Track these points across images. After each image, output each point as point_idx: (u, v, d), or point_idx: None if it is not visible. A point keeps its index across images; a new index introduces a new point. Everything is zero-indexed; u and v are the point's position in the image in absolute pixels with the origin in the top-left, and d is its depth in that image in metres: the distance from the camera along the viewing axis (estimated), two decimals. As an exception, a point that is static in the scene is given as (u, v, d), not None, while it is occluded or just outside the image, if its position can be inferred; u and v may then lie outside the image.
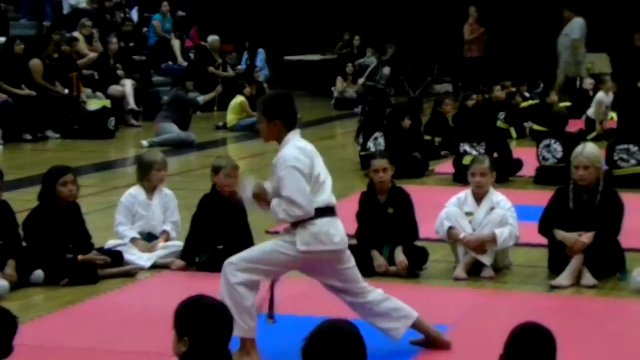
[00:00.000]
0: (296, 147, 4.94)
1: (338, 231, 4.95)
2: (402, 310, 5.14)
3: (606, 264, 6.41)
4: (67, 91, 14.14)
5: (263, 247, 5.09)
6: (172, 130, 13.26)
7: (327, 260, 4.99)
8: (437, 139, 12.15)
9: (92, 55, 15.39)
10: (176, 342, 3.23)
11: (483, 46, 19.27)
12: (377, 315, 5.10)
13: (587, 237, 6.33)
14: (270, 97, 5.22)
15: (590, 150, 6.54)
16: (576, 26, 17.95)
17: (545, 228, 6.55)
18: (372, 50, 20.05)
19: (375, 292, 5.16)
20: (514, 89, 14.01)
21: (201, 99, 14.12)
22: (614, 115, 14.41)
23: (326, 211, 4.93)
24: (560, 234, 6.41)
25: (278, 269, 4.99)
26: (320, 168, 5.03)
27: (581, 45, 17.92)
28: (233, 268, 4.90)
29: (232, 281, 4.88)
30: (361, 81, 19.00)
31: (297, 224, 4.88)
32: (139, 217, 7.07)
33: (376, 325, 5.10)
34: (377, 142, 10.62)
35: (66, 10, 17.33)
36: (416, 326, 5.15)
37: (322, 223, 4.89)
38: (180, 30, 18.78)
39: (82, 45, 15.49)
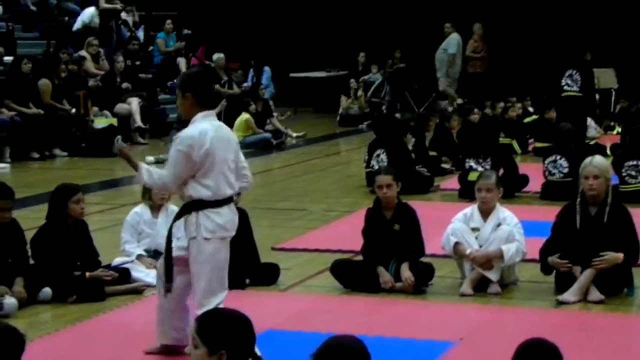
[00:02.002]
0: (198, 129, 4.89)
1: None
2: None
3: (614, 279, 6.40)
4: (74, 110, 14.21)
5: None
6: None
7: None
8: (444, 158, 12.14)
9: (100, 76, 15.49)
10: (205, 357, 3.22)
11: (486, 61, 19.35)
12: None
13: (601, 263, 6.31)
14: (187, 71, 5.25)
15: (599, 160, 6.54)
16: (453, 41, 18.54)
17: (545, 262, 6.54)
18: (377, 66, 20.10)
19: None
20: (509, 104, 14.01)
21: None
22: (618, 128, 14.44)
23: (226, 201, 4.96)
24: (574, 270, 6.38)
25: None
26: (221, 157, 4.93)
27: (455, 59, 18.63)
28: None
29: None
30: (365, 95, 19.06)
31: (197, 212, 4.88)
32: (145, 234, 7.09)
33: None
34: (380, 159, 10.64)
35: (75, 27, 17.38)
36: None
37: (226, 211, 4.96)
38: (186, 48, 18.85)
39: (89, 64, 15.58)
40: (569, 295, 6.31)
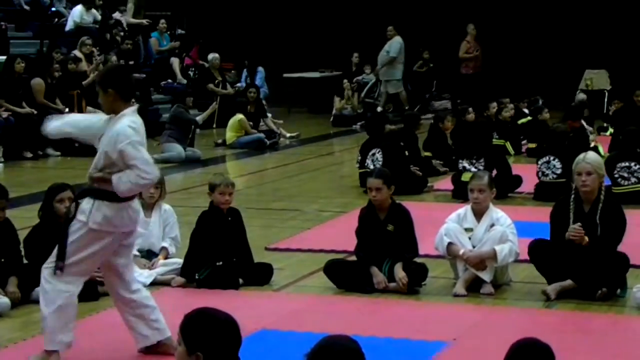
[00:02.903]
0: (131, 121, 5.00)
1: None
2: (160, 323, 5.21)
3: (611, 274, 6.38)
4: (67, 109, 14.19)
5: None
6: (174, 150, 13.34)
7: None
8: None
9: (92, 76, 15.45)
10: (185, 356, 3.22)
11: (479, 62, 19.36)
12: (137, 315, 5.19)
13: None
14: (105, 68, 5.30)
15: (592, 156, 6.54)
16: (395, 44, 18.73)
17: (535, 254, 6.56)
18: (370, 67, 20.10)
19: (144, 293, 5.26)
20: (502, 105, 14.02)
21: (199, 118, 14.22)
22: (611, 129, 14.47)
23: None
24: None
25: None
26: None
27: (398, 62, 18.82)
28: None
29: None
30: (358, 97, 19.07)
31: (94, 200, 4.93)
32: (138, 234, 7.05)
33: (130, 324, 5.19)
34: (375, 158, 10.64)
35: (68, 27, 17.40)
36: (161, 344, 5.19)
37: (119, 207, 4.98)
38: (179, 48, 18.85)
39: (83, 64, 15.56)
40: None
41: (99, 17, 17.58)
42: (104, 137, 5.02)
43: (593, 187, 6.39)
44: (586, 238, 6.30)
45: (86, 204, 4.98)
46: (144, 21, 17.73)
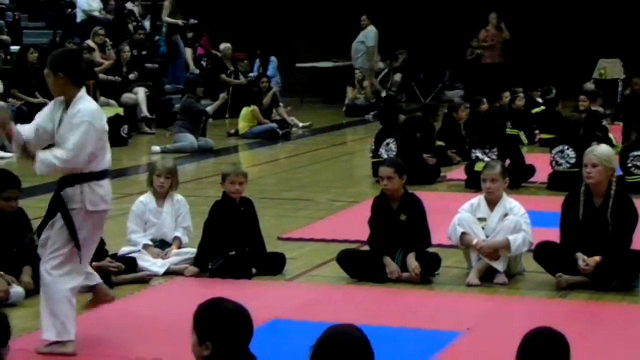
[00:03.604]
0: (93, 104, 5.06)
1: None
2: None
3: (624, 268, 6.36)
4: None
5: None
6: (186, 140, 13.36)
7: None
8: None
9: (107, 63, 15.49)
10: (197, 345, 3.23)
11: (500, 52, 19.13)
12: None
13: (593, 261, 6.30)
14: (56, 52, 5.28)
15: (600, 149, 6.48)
16: (370, 34, 18.79)
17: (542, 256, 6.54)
18: (381, 55, 20.05)
19: None
20: (515, 95, 13.97)
21: (209, 108, 14.21)
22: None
23: (107, 173, 5.11)
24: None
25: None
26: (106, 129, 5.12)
27: (375, 51, 18.86)
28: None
29: None
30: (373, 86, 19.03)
31: (81, 184, 4.95)
32: (150, 224, 7.10)
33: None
34: (389, 148, 10.62)
35: (79, 18, 17.43)
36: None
37: (107, 184, 5.07)
38: (192, 38, 18.83)
39: (96, 54, 15.59)
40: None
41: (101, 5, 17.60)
42: (63, 123, 5.00)
43: (598, 180, 6.32)
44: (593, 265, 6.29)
45: (72, 190, 4.99)
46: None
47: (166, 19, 17.55)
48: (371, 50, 18.74)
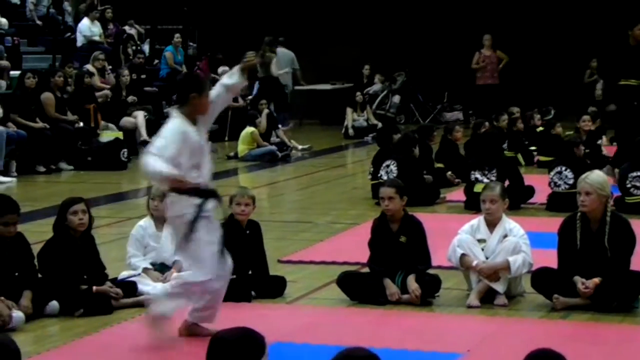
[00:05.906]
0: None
1: None
2: None
3: (623, 290, 6.36)
4: (81, 124, 14.25)
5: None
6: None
7: None
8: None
9: (107, 91, 15.56)
10: None
11: (495, 74, 19.20)
12: None
13: (593, 283, 6.30)
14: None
15: (594, 176, 6.42)
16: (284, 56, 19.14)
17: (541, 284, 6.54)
18: (380, 77, 20.10)
19: None
20: (514, 116, 14.00)
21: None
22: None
23: None
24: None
25: None
26: None
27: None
28: None
29: None
30: (372, 108, 19.05)
31: None
32: (150, 248, 7.10)
33: None
34: (389, 170, 10.64)
35: (79, 42, 17.51)
36: None
37: None
38: (191, 61, 18.91)
39: (95, 78, 15.65)
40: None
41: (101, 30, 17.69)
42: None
43: (592, 208, 6.30)
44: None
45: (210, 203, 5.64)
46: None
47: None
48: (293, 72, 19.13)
